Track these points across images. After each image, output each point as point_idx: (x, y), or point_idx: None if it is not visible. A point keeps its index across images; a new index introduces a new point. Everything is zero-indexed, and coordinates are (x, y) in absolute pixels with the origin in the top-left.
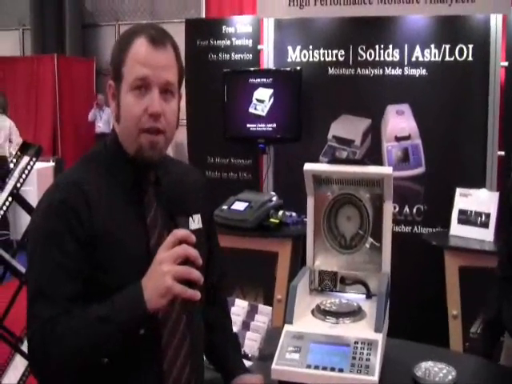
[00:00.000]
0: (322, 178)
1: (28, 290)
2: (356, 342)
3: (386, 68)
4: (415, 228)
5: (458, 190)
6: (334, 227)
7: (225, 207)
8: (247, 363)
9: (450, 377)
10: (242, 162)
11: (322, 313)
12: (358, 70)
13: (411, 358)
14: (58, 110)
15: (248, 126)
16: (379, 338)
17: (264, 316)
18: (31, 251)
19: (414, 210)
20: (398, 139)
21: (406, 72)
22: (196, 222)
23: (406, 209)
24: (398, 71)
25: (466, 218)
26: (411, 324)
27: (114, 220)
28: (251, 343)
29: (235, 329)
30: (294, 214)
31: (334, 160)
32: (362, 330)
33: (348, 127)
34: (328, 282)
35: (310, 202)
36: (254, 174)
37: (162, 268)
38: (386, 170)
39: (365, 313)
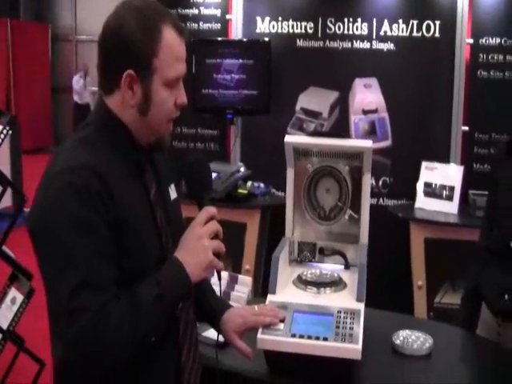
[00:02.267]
0: (302, 150)
1: (62, 282)
2: (339, 312)
3: (354, 41)
4: (381, 200)
5: (424, 164)
6: (314, 199)
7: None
8: None
9: (426, 344)
10: (209, 132)
11: (303, 283)
12: (327, 42)
13: (389, 327)
14: (11, 74)
15: (216, 96)
16: (361, 307)
17: (244, 286)
18: (60, 240)
19: (380, 183)
20: (365, 112)
21: (374, 46)
22: (173, 191)
23: (373, 181)
24: (366, 45)
25: (431, 190)
26: (377, 294)
27: (128, 202)
28: None
29: None
30: (262, 184)
31: (315, 133)
32: (344, 299)
33: (316, 99)
34: (307, 253)
35: (290, 174)
36: (222, 145)
37: (203, 243)
38: (365, 143)
39: (345, 283)
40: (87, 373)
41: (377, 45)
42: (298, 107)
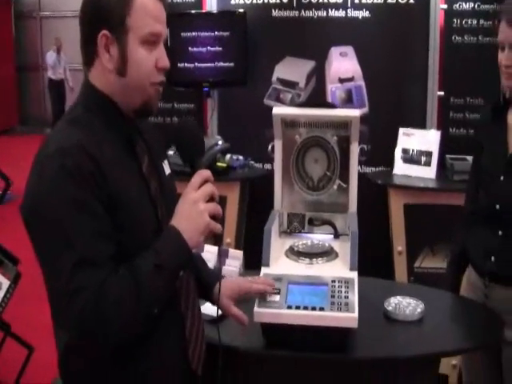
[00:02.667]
0: (289, 121)
1: (59, 263)
2: (333, 281)
3: (329, 10)
4: (360, 167)
5: (401, 130)
6: (302, 170)
7: (171, 152)
8: None
9: (418, 310)
10: (185, 106)
11: (295, 254)
12: (302, 12)
13: (380, 294)
14: None
15: (192, 70)
16: (355, 276)
17: (235, 260)
18: (57, 221)
19: (359, 150)
20: (341, 81)
21: (350, 14)
22: (167, 166)
23: None
24: (341, 13)
25: (408, 156)
26: (358, 260)
27: (121, 177)
28: None
29: None
30: (240, 157)
31: (303, 103)
32: (337, 269)
33: (292, 69)
34: (297, 224)
35: (278, 146)
36: (199, 119)
37: (198, 207)
38: (353, 112)
39: (336, 252)
40: (94, 357)
41: (352, 13)
42: (274, 78)
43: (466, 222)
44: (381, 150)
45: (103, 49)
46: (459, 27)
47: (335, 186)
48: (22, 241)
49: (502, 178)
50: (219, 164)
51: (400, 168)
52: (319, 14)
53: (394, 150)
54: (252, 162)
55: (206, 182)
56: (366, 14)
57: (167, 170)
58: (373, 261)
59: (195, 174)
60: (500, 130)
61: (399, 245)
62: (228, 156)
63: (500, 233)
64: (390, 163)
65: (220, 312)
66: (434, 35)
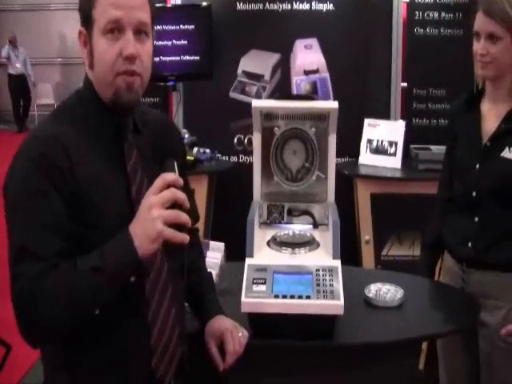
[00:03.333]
0: (268, 113)
1: (10, 249)
2: (317, 270)
3: (294, 3)
4: None
5: (366, 121)
6: (281, 161)
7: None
8: None
9: (398, 296)
10: (150, 100)
11: (278, 244)
12: (267, 4)
13: (359, 282)
14: None
15: (157, 63)
16: (338, 264)
17: (216, 252)
18: (12, 208)
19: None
20: (306, 73)
21: (314, 7)
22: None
23: None
24: (305, 6)
25: (374, 147)
26: None
27: (96, 173)
28: None
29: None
30: (207, 150)
31: (281, 96)
32: (320, 258)
33: (257, 62)
34: (276, 215)
35: (257, 138)
36: (164, 112)
37: (151, 213)
38: (331, 104)
39: (318, 242)
40: (33, 338)
41: (316, 5)
42: (239, 71)
43: (440, 209)
44: (346, 141)
45: (81, 45)
46: (421, 19)
47: (314, 177)
48: None
49: (477, 166)
50: (187, 157)
51: (366, 158)
52: (284, 6)
53: (359, 141)
54: (219, 155)
55: (170, 186)
56: (330, 6)
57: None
58: (341, 250)
59: (158, 177)
60: (474, 119)
61: (366, 234)
62: (195, 149)
63: (476, 219)
64: (356, 154)
65: None
66: (397, 27)
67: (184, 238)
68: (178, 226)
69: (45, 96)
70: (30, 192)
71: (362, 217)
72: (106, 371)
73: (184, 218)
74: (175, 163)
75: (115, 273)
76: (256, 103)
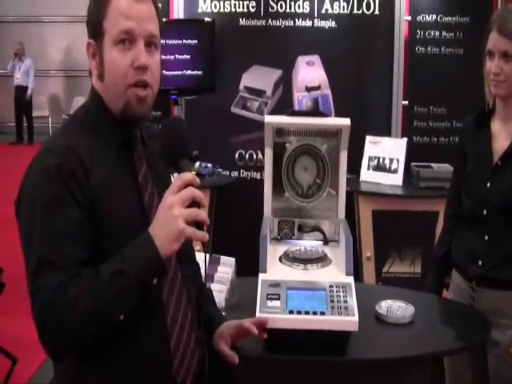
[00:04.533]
0: (279, 129)
1: (29, 261)
2: (331, 286)
3: (296, 20)
4: None
5: (368, 138)
6: (292, 177)
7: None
8: None
9: (409, 312)
10: (152, 114)
11: (290, 260)
12: (269, 21)
13: (370, 298)
14: None
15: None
16: (351, 280)
17: (227, 267)
18: (29, 220)
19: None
20: (308, 89)
21: (316, 24)
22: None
23: None
24: (308, 23)
25: (375, 164)
26: None
27: (109, 182)
28: (217, 294)
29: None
30: (209, 164)
31: (294, 112)
32: (333, 274)
33: (259, 78)
34: (287, 231)
35: (269, 154)
36: None
37: (172, 212)
38: (343, 121)
39: (330, 258)
40: (59, 351)
41: (318, 23)
42: (241, 86)
43: (449, 224)
44: (348, 158)
45: (90, 57)
46: (422, 38)
47: (325, 194)
48: (4, 251)
49: (488, 184)
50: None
51: (367, 175)
52: (286, 23)
53: (360, 158)
54: (220, 170)
55: (188, 185)
56: (333, 24)
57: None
58: None
59: (176, 177)
60: (485, 137)
61: (368, 251)
62: (197, 163)
63: (486, 237)
64: (357, 170)
65: None
66: (399, 46)
67: (204, 235)
68: (197, 224)
69: (39, 108)
70: (48, 202)
71: (364, 233)
72: (124, 379)
73: (203, 215)
74: (190, 163)
75: (138, 276)
76: (268, 119)
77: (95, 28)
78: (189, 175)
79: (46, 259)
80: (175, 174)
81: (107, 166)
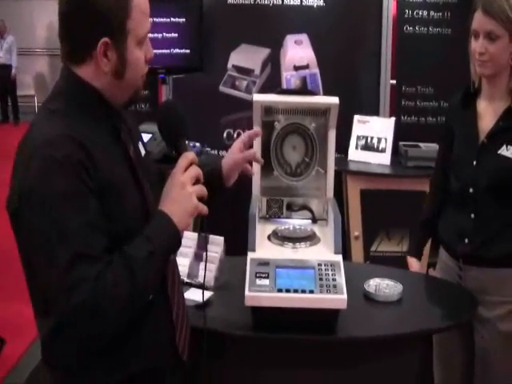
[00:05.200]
0: (268, 108)
1: (56, 258)
2: (319, 264)
3: None
4: None
5: (356, 117)
6: (280, 156)
7: (146, 135)
8: (206, 294)
9: (397, 291)
10: None
11: (279, 239)
12: None
13: (359, 277)
14: None
15: None
16: (340, 259)
17: (216, 246)
18: (47, 216)
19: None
20: (296, 68)
21: (305, 2)
22: (142, 147)
23: None
24: (296, 1)
25: (363, 143)
26: None
27: (110, 166)
28: (206, 273)
29: (187, 261)
30: (197, 144)
31: (282, 90)
32: (322, 252)
33: (247, 57)
34: (276, 209)
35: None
36: (153, 106)
37: (187, 190)
38: (332, 99)
39: (318, 237)
40: (85, 342)
41: (307, 1)
42: (229, 65)
43: (433, 194)
44: (336, 137)
45: (101, 55)
46: (410, 18)
47: (313, 172)
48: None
49: (474, 163)
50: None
51: (355, 154)
52: (274, 1)
53: (348, 137)
54: (208, 149)
55: (191, 164)
56: (321, 2)
57: (142, 151)
58: None
59: (181, 157)
60: (471, 117)
61: (356, 230)
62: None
63: (473, 216)
64: (345, 150)
65: (206, 296)
66: (387, 25)
67: (207, 209)
68: (201, 199)
69: (25, 87)
70: (65, 194)
71: (352, 213)
72: (131, 352)
73: (206, 191)
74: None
75: (167, 253)
76: (257, 97)
77: (116, 28)
78: (192, 154)
79: (79, 252)
80: (139, 143)
81: (105, 150)
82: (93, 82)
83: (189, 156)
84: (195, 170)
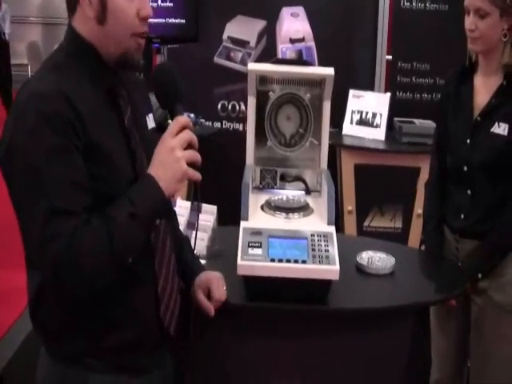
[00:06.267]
0: (263, 78)
1: (35, 210)
2: (312, 235)
3: None
4: None
5: (351, 92)
6: (275, 126)
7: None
8: None
9: (389, 263)
10: None
11: (272, 209)
12: None
13: (351, 249)
14: None
15: None
16: (332, 230)
17: (209, 215)
18: (32, 168)
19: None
20: (292, 41)
21: None
22: (151, 120)
23: None
24: None
25: (358, 118)
26: None
27: (100, 127)
28: (199, 242)
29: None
30: (191, 114)
31: (278, 60)
32: (315, 223)
33: (243, 28)
34: (269, 180)
35: (252, 102)
36: (147, 75)
37: (175, 154)
38: (327, 70)
39: (312, 208)
40: (65, 299)
41: None
42: (225, 36)
43: (433, 184)
44: (330, 111)
45: None
46: None
47: (307, 143)
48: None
49: (468, 141)
50: (170, 122)
51: (350, 129)
52: None
53: (343, 112)
54: (202, 120)
55: (184, 128)
56: None
57: (151, 124)
58: None
59: (173, 121)
60: (467, 92)
61: (349, 204)
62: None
63: (469, 192)
64: (340, 124)
65: None
66: (384, 0)
67: (199, 175)
68: (193, 166)
69: (18, 56)
70: (52, 149)
71: (345, 187)
72: (119, 324)
73: (199, 156)
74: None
75: (150, 217)
76: (252, 66)
77: None
78: (185, 119)
79: (57, 206)
80: (150, 115)
81: (97, 111)
82: (85, 33)
83: (181, 120)
84: (187, 135)
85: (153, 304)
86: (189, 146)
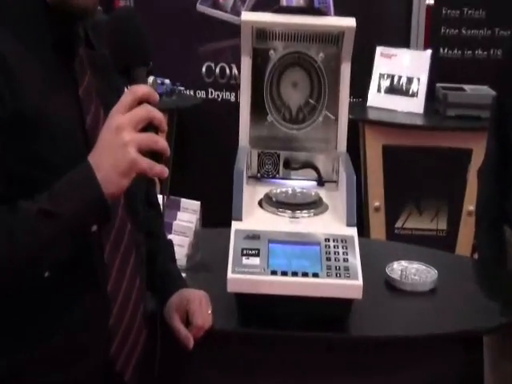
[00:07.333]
0: (262, 31)
1: None
2: (327, 240)
3: None
4: None
5: (379, 49)
6: (277, 96)
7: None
8: None
9: (430, 278)
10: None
11: (274, 205)
12: None
13: (380, 258)
14: None
15: None
16: (354, 233)
17: (190, 213)
18: None
19: None
20: None
21: None
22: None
23: None
24: None
25: (388, 85)
26: None
27: (40, 94)
28: (177, 249)
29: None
30: (166, 81)
31: (280, 8)
32: (330, 224)
33: None
34: (270, 167)
35: (246, 64)
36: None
37: (122, 137)
38: (347, 21)
39: (325, 203)
40: None
41: None
42: None
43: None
44: (351, 76)
45: None
46: None
47: (320, 118)
48: None
49: None
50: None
51: (377, 99)
52: None
53: (368, 76)
54: (181, 89)
55: (141, 102)
56: None
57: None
58: None
59: (126, 91)
60: None
61: (376, 199)
62: (151, 78)
63: None
64: (363, 93)
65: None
66: None
67: (163, 170)
68: (154, 155)
69: None
70: None
71: (371, 176)
72: (50, 361)
73: (162, 143)
74: (146, 71)
75: (71, 219)
76: (247, 16)
77: None
78: (144, 88)
79: None
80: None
81: (38, 74)
82: None
83: (138, 90)
84: (145, 111)
85: (101, 340)
86: (151, 127)
